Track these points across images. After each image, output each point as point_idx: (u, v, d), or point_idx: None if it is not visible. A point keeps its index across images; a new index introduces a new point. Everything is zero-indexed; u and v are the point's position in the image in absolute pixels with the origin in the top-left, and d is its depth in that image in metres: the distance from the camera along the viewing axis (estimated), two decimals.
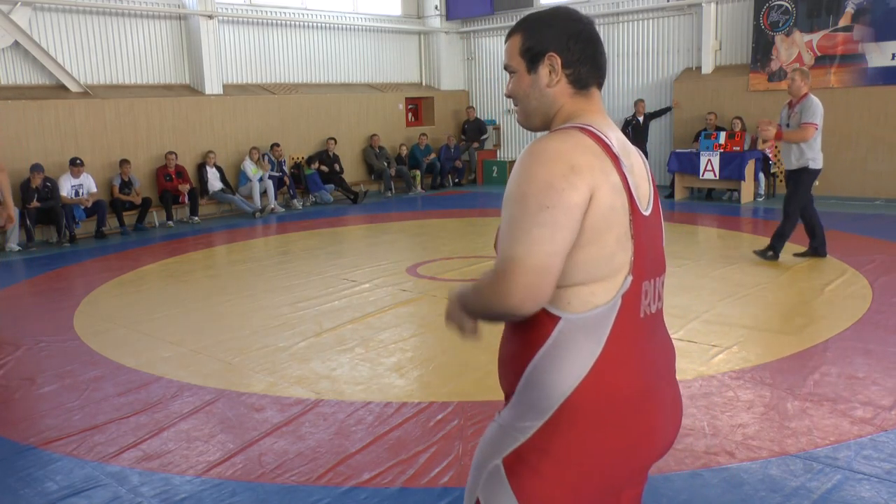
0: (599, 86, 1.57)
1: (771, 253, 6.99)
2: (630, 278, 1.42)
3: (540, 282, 1.33)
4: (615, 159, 1.41)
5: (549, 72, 1.52)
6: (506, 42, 1.60)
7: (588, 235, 1.37)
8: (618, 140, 1.49)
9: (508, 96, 1.61)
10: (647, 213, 1.46)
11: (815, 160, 6.79)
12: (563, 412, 1.40)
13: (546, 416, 1.42)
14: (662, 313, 1.56)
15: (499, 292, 1.35)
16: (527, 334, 1.44)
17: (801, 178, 6.82)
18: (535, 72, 1.54)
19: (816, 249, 7.09)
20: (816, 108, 6.70)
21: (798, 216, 6.93)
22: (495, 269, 1.38)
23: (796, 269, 6.66)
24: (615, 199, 1.38)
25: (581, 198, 1.35)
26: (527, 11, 10.06)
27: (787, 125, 6.79)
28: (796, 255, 7.20)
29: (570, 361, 1.40)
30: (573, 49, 1.51)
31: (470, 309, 1.50)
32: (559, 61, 1.51)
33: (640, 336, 1.45)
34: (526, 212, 1.34)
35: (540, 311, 1.40)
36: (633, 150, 1.54)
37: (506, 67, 1.60)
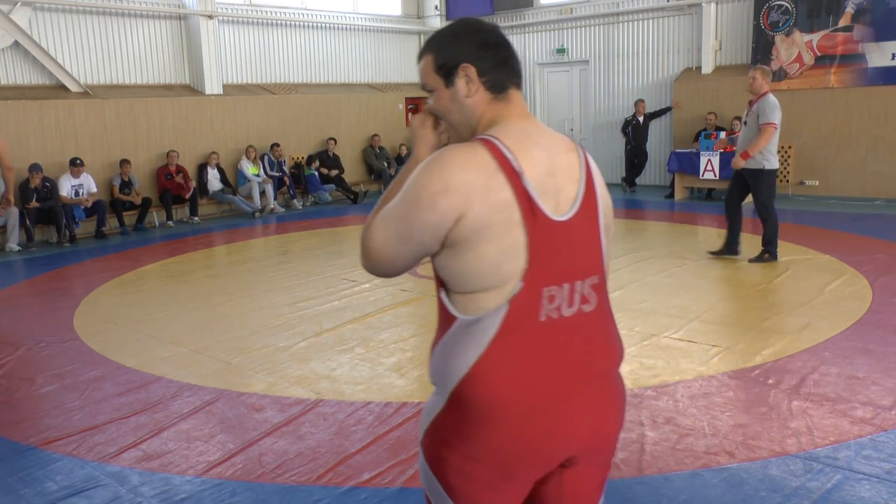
0: (519, 87, 1.62)
1: (767, 255, 7.01)
2: (520, 285, 1.47)
3: (376, 267, 1.56)
4: (512, 175, 1.45)
5: (466, 82, 1.57)
6: (418, 64, 1.65)
7: (461, 248, 1.45)
8: (539, 148, 1.53)
9: (430, 113, 1.68)
10: (562, 219, 1.50)
11: (771, 161, 6.85)
12: (451, 401, 1.52)
13: (445, 398, 1.54)
14: (600, 313, 1.58)
15: (361, 246, 1.57)
16: (440, 323, 1.57)
17: (760, 180, 6.85)
18: (452, 85, 1.59)
19: (731, 247, 7.16)
20: (774, 108, 6.76)
21: (775, 214, 6.94)
22: (365, 227, 1.57)
23: (796, 270, 6.66)
24: (495, 216, 1.44)
25: (439, 218, 1.44)
26: (526, 11, 10.20)
27: (745, 123, 6.83)
28: (711, 252, 7.29)
29: (457, 357, 1.50)
30: (485, 57, 1.57)
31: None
32: (474, 70, 1.56)
33: (540, 339, 1.49)
34: (396, 209, 1.50)
35: (448, 306, 1.53)
36: (562, 154, 1.56)
37: (423, 87, 1.65)
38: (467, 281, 1.48)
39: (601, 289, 1.59)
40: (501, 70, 1.58)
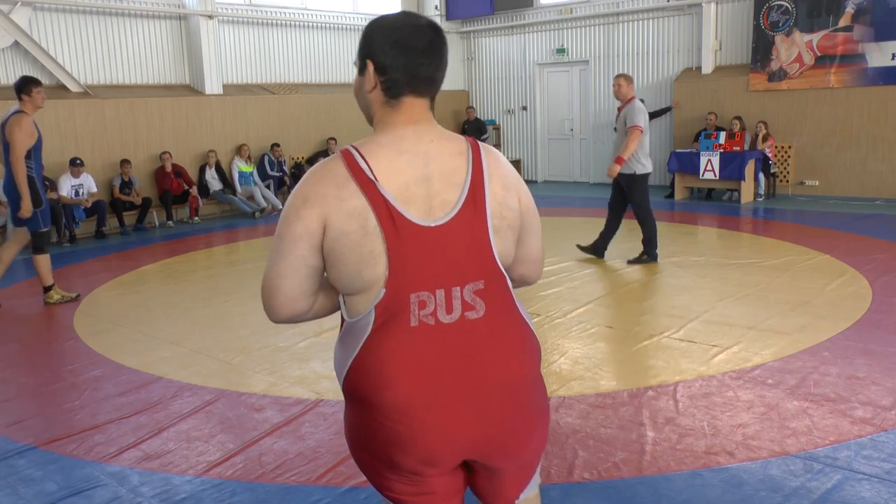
0: (421, 95, 1.58)
1: (646, 257, 7.13)
2: (384, 291, 1.50)
3: (270, 299, 1.58)
4: (366, 183, 1.48)
5: (369, 77, 1.57)
6: None
7: (330, 257, 1.52)
8: (409, 156, 1.53)
9: None
10: (433, 224, 1.51)
11: (645, 165, 6.99)
12: (345, 396, 1.63)
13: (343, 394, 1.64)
14: (493, 319, 1.55)
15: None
16: (341, 324, 1.66)
17: (632, 184, 6.99)
18: (362, 74, 1.60)
19: (597, 249, 7.32)
20: (640, 112, 6.90)
21: (652, 216, 7.07)
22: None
23: (796, 270, 6.66)
24: (350, 223, 1.48)
25: (305, 227, 1.50)
26: (526, 11, 10.25)
27: (615, 129, 7.00)
28: (579, 246, 7.43)
29: (342, 354, 1.60)
30: (388, 55, 1.55)
31: None
32: (372, 67, 1.56)
33: (412, 344, 1.51)
34: (275, 237, 1.57)
35: (341, 307, 1.62)
36: (443, 160, 1.55)
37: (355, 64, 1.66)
38: (340, 286, 1.55)
39: (490, 295, 1.55)
40: (401, 75, 1.55)
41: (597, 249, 7.33)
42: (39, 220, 6.22)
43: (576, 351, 4.71)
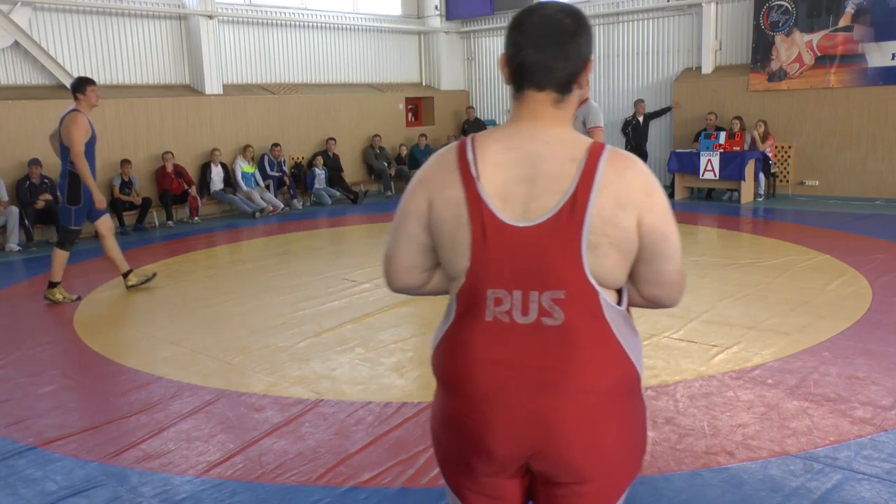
0: (540, 88, 1.51)
1: None
2: (464, 281, 1.52)
3: (386, 266, 1.67)
4: (467, 176, 1.49)
5: (502, 67, 1.56)
6: None
7: (433, 238, 1.56)
8: (519, 154, 1.50)
9: None
10: (523, 225, 1.47)
11: None
12: (434, 365, 1.64)
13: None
14: (571, 331, 1.48)
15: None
16: None
17: None
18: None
19: None
20: (599, 112, 6.94)
21: None
22: None
23: (796, 270, 6.66)
24: (446, 211, 1.51)
25: (416, 206, 1.56)
26: None
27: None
28: None
29: (435, 335, 1.64)
30: (508, 44, 1.52)
31: None
32: (503, 58, 1.54)
33: (486, 336, 1.52)
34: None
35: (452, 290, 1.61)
36: (554, 164, 1.48)
37: None
38: (443, 267, 1.60)
39: (571, 305, 1.47)
40: (515, 65, 1.51)
41: None
42: (73, 216, 6.39)
43: None
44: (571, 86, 1.52)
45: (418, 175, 1.60)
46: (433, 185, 1.54)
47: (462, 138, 1.55)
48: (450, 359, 1.57)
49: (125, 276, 6.83)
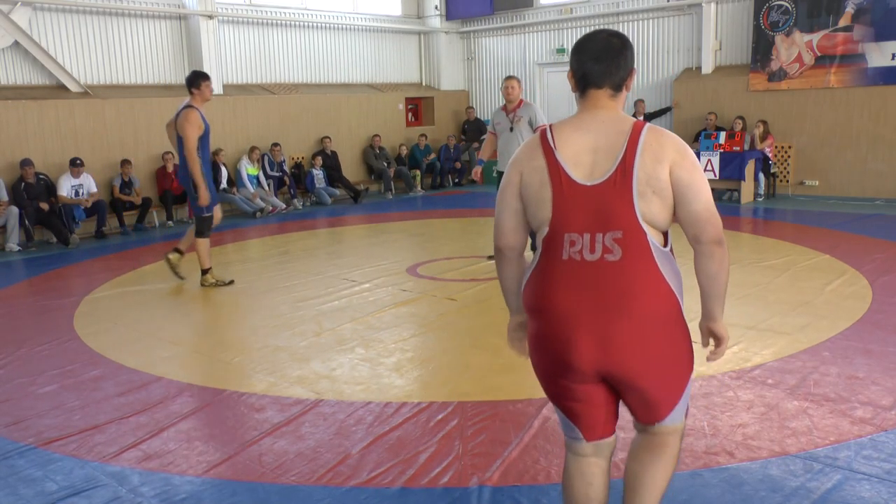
0: (599, 87, 2.12)
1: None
2: (547, 229, 2.08)
3: (495, 228, 2.24)
4: (547, 150, 2.09)
5: (569, 78, 2.18)
6: None
7: (523, 200, 2.14)
8: (583, 132, 2.09)
9: None
10: (591, 184, 2.02)
11: None
12: (524, 296, 2.20)
13: None
14: (627, 264, 2.00)
15: None
16: None
17: None
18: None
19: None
20: (540, 111, 7.09)
21: None
22: None
23: (796, 270, 6.66)
24: (534, 177, 2.09)
25: (511, 179, 2.17)
26: (526, 11, 10.44)
27: (511, 129, 6.95)
28: (490, 257, 7.37)
29: (526, 272, 2.20)
30: (572, 62, 2.14)
31: None
32: (570, 71, 2.17)
33: (563, 272, 2.05)
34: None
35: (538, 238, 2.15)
36: (609, 138, 2.05)
37: None
38: (530, 222, 2.16)
39: (627, 243, 1.99)
40: (578, 76, 2.13)
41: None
42: (201, 207, 6.59)
43: None
44: (622, 86, 2.12)
45: (514, 157, 2.18)
46: (523, 161, 2.14)
47: (543, 128, 2.15)
48: (538, 290, 2.10)
49: (204, 272, 6.90)
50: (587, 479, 2.26)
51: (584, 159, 2.04)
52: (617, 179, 1.99)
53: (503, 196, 2.17)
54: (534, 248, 2.30)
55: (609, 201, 1.99)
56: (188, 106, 6.36)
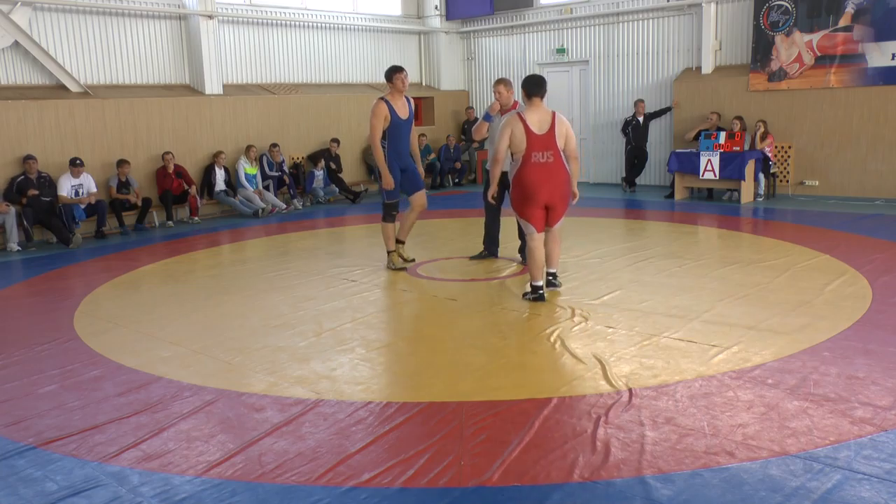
0: (538, 96, 5.77)
1: (486, 253, 7.58)
2: (524, 151, 5.68)
3: (495, 154, 5.92)
4: (523, 121, 5.67)
5: (523, 94, 5.85)
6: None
7: (513, 141, 5.72)
8: (536, 114, 5.73)
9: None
10: (540, 134, 5.66)
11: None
12: (514, 177, 5.81)
13: (513, 180, 5.88)
14: (557, 163, 5.71)
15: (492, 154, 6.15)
16: (515, 162, 5.84)
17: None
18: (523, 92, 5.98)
19: (490, 249, 7.64)
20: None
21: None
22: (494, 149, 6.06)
23: (796, 270, 6.66)
24: (518, 132, 5.67)
25: (506, 132, 5.73)
26: (526, 11, 10.85)
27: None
28: (472, 258, 7.68)
29: (512, 169, 5.86)
30: (524, 85, 5.82)
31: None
32: (523, 91, 5.83)
33: (533, 166, 5.67)
34: (498, 138, 5.87)
35: (513, 157, 5.84)
36: (545, 116, 5.74)
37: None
38: (515, 150, 5.73)
39: (556, 156, 5.69)
40: (528, 92, 5.78)
41: (490, 250, 7.57)
42: (385, 192, 7.17)
43: (576, 351, 4.72)
44: (544, 96, 5.80)
45: (503, 123, 5.77)
46: (512, 125, 5.68)
47: (517, 112, 5.82)
48: (522, 175, 5.68)
49: (389, 251, 7.35)
50: (539, 246, 5.85)
51: (536, 125, 5.65)
52: (551, 132, 5.66)
53: (502, 139, 5.69)
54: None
55: (547, 140, 5.65)
56: (380, 98, 6.85)
